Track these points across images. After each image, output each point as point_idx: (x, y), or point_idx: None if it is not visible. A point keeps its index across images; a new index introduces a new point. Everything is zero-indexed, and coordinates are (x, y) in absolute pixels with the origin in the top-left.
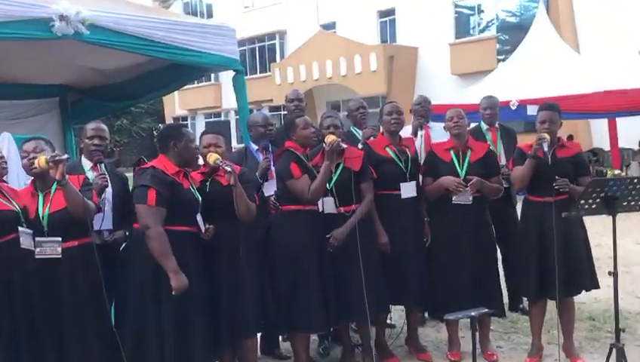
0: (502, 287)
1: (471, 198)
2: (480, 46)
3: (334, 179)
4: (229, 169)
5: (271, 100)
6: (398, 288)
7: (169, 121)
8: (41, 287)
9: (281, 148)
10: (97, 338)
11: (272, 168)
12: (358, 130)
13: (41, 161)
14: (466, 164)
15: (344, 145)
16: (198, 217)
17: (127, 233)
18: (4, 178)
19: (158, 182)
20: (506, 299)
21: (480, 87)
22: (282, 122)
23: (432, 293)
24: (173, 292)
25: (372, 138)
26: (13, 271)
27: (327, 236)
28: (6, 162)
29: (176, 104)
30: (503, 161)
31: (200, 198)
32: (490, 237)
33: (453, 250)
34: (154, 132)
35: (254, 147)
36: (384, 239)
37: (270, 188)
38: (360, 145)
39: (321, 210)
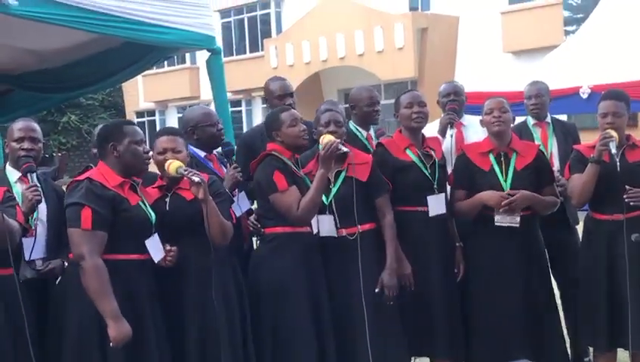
0: (563, 334)
1: (518, 219)
2: (541, 15)
3: (333, 191)
4: (197, 179)
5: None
6: (422, 335)
7: (130, 116)
8: None
9: (261, 152)
10: None
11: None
12: (360, 128)
13: None
14: (511, 173)
15: (345, 149)
16: (151, 241)
17: (66, 263)
18: None
19: (94, 199)
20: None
21: (541, 68)
22: None
23: (467, 341)
24: (111, 344)
25: (385, 136)
26: None
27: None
28: None
29: (140, 94)
30: (556, 166)
31: (153, 216)
32: (544, 268)
33: (497, 285)
34: None
35: (200, 153)
36: (407, 269)
37: (243, 204)
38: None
39: (315, 231)
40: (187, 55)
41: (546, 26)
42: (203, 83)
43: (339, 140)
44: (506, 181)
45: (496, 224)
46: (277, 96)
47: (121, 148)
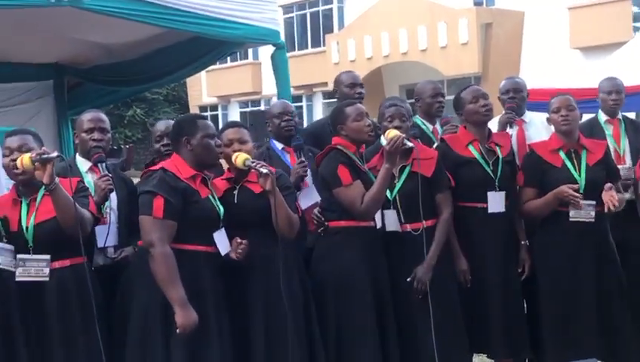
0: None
1: (593, 213)
2: (610, 10)
3: (398, 186)
4: (265, 170)
5: (325, 84)
6: (479, 332)
7: (194, 110)
8: (22, 318)
9: (327, 145)
10: None
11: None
12: (426, 122)
13: (24, 160)
14: (583, 168)
15: (410, 144)
16: (219, 234)
17: (137, 249)
18: None
19: (167, 189)
20: None
21: (609, 64)
22: None
23: (536, 340)
24: (177, 330)
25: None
26: None
27: (403, 276)
28: None
29: (203, 89)
30: (628, 162)
31: (221, 210)
32: (618, 267)
33: (570, 282)
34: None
35: (278, 146)
36: (463, 266)
37: (308, 199)
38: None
39: (379, 226)
40: (250, 50)
41: (615, 21)
42: (265, 78)
43: (404, 135)
44: (580, 176)
45: (571, 219)
46: (347, 85)
47: (194, 142)
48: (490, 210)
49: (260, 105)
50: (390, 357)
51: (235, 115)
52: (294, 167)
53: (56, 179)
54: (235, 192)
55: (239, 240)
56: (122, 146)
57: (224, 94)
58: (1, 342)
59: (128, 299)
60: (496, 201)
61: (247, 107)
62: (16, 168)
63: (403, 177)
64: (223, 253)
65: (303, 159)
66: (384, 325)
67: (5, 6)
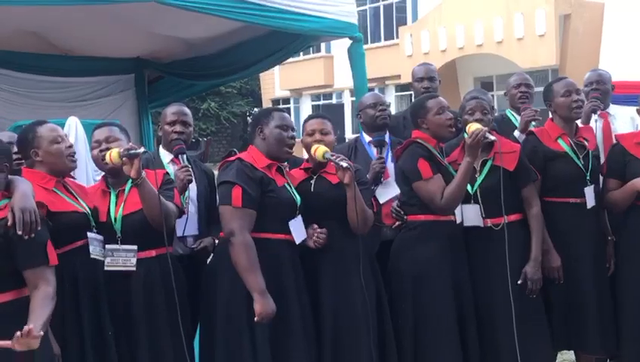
0: None
1: None
2: None
3: (479, 180)
4: (344, 164)
5: (398, 77)
6: (572, 328)
7: (267, 104)
8: (111, 306)
9: (407, 139)
10: None
11: (388, 166)
12: (516, 115)
13: (113, 155)
14: None
15: (492, 137)
16: (295, 222)
17: (217, 241)
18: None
19: (244, 178)
20: None
21: None
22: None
23: (617, 336)
24: (256, 319)
25: (534, 124)
26: (82, 284)
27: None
28: (75, 154)
29: (275, 83)
30: None
31: (298, 199)
32: None
33: None
34: (248, 118)
35: (366, 139)
36: (556, 262)
37: (387, 192)
38: (516, 133)
39: (459, 221)
40: (322, 44)
41: None
42: (337, 71)
43: (486, 128)
44: None
45: None
46: (416, 79)
47: (267, 131)
48: (589, 205)
49: (331, 99)
50: (470, 353)
51: (307, 108)
52: (372, 163)
53: (143, 174)
54: (313, 181)
55: (318, 229)
56: (200, 139)
57: (296, 87)
58: (92, 330)
59: (213, 288)
60: (590, 196)
61: (319, 100)
62: (104, 160)
63: (485, 171)
64: (297, 241)
65: (382, 156)
66: (463, 322)
67: (93, 2)
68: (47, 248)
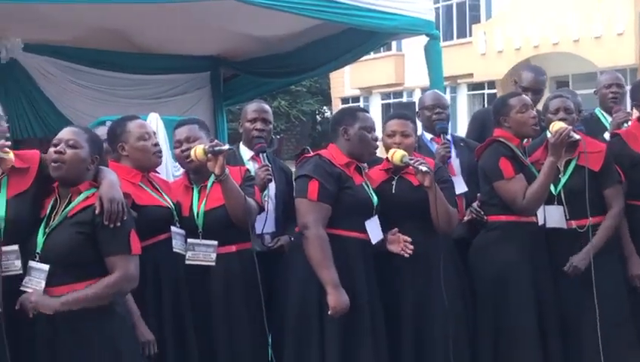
0: None
1: None
2: None
3: (563, 181)
4: (424, 168)
5: (471, 75)
6: None
7: (336, 102)
8: (191, 299)
9: (489, 137)
10: None
11: (452, 162)
12: (606, 114)
13: (198, 151)
14: None
15: (577, 136)
16: (371, 222)
17: (293, 238)
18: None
19: (322, 173)
20: None
21: None
22: (485, 104)
23: None
24: (329, 312)
25: (625, 125)
26: (164, 277)
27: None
28: (161, 151)
29: (345, 81)
30: None
31: (375, 198)
32: None
33: None
34: (317, 116)
35: (427, 136)
36: (637, 270)
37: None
38: (607, 135)
39: (542, 222)
40: (393, 42)
41: None
42: (408, 70)
43: (570, 127)
44: None
45: None
46: (523, 87)
47: (352, 132)
48: None
49: (402, 97)
50: (552, 357)
51: (376, 106)
52: (437, 148)
53: (227, 170)
54: (394, 183)
55: (403, 237)
56: (273, 137)
57: (366, 86)
58: (172, 322)
59: (286, 283)
60: None
61: (390, 98)
62: (188, 158)
63: (569, 171)
64: (374, 242)
65: (447, 140)
66: (545, 324)
67: (174, 0)
68: (131, 237)
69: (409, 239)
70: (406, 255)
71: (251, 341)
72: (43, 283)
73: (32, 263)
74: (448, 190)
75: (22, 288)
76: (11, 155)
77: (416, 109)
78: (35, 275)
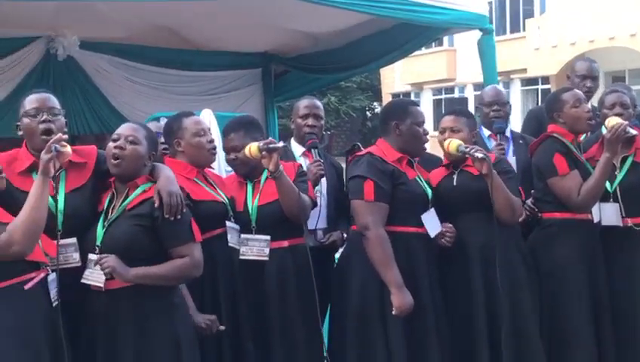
0: None
1: None
2: None
3: (619, 178)
4: (479, 155)
5: (524, 70)
6: None
7: (387, 98)
8: (246, 293)
9: (543, 133)
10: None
11: (509, 159)
12: None
13: (252, 148)
14: None
15: (634, 132)
16: (428, 216)
17: (345, 235)
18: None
19: (376, 172)
20: None
21: None
22: (539, 100)
23: None
24: (393, 312)
25: None
26: (220, 271)
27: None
28: (215, 148)
29: (396, 77)
30: None
31: (429, 192)
32: None
33: None
34: (367, 112)
35: (485, 133)
36: None
37: None
38: None
39: (596, 220)
40: (445, 37)
41: None
42: (460, 65)
43: (626, 122)
44: None
45: None
46: (579, 76)
47: (403, 128)
48: None
49: (453, 93)
50: (605, 356)
51: (428, 102)
52: (491, 149)
53: (281, 167)
54: (454, 176)
55: (452, 227)
56: (324, 133)
57: (417, 81)
58: (228, 318)
59: (345, 282)
60: None
61: (441, 94)
62: (239, 163)
63: (625, 168)
64: (432, 235)
65: (502, 143)
66: (600, 324)
67: None
68: (192, 226)
69: (444, 229)
70: (446, 243)
71: (305, 336)
72: (103, 275)
73: (92, 256)
74: (511, 180)
75: (83, 281)
76: (69, 149)
77: (476, 104)
78: (96, 267)
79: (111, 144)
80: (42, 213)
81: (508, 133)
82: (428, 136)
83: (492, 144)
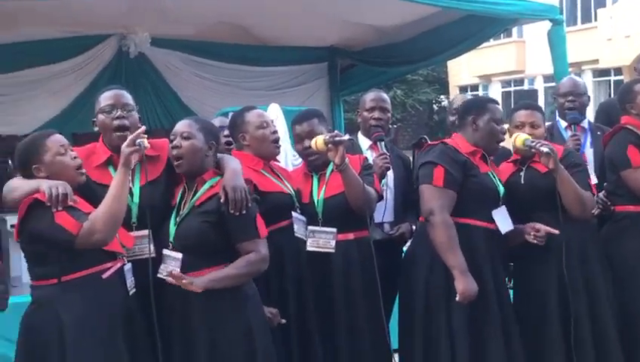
0: None
1: None
2: None
3: None
4: (545, 150)
5: (596, 61)
6: None
7: (454, 91)
8: (312, 284)
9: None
10: (372, 355)
11: (585, 151)
12: None
13: (318, 142)
14: None
15: None
16: (499, 212)
17: (414, 227)
18: None
19: (447, 160)
20: None
21: None
22: (611, 92)
23: None
24: (457, 298)
25: None
26: (288, 262)
27: None
28: (278, 140)
29: (463, 69)
30: None
31: (501, 188)
32: None
33: None
34: (433, 105)
35: (562, 124)
36: None
37: None
38: None
39: None
40: (513, 28)
41: None
42: (529, 56)
43: None
44: None
45: None
46: (561, 94)
47: (480, 123)
48: None
49: (522, 85)
50: None
51: (496, 94)
52: (567, 140)
53: (347, 160)
54: (522, 173)
55: (537, 226)
56: (390, 126)
57: (485, 74)
58: (295, 308)
59: (412, 272)
60: None
61: (510, 87)
62: (310, 154)
63: None
64: (503, 232)
65: (577, 133)
66: None
67: None
68: (257, 222)
69: (538, 226)
70: (536, 241)
71: (369, 326)
72: (178, 271)
73: (166, 251)
74: (580, 174)
75: (158, 275)
76: (147, 143)
77: (552, 95)
78: (170, 263)
79: (170, 146)
80: (123, 203)
81: (586, 125)
82: None
83: (569, 135)
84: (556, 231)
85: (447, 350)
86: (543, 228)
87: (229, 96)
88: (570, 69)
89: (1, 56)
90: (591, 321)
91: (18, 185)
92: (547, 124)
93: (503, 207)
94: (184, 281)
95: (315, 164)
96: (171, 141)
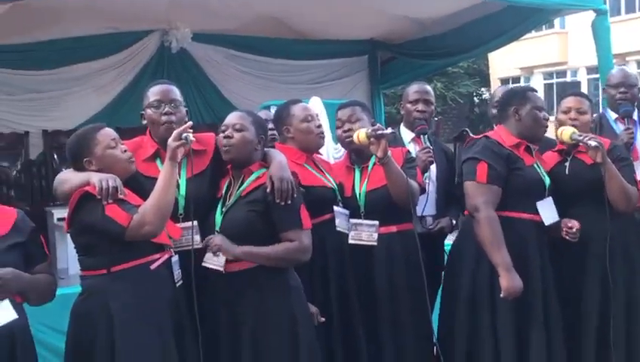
0: None
1: None
2: None
3: None
4: (593, 143)
5: None
6: None
7: (495, 83)
8: (354, 277)
9: None
10: (416, 349)
11: (637, 145)
12: None
13: (360, 135)
14: None
15: None
16: (544, 204)
17: (455, 222)
18: None
19: (490, 155)
20: None
21: None
22: None
23: None
24: (501, 294)
25: None
26: (330, 255)
27: None
28: (323, 133)
29: (505, 61)
30: None
31: (547, 179)
32: None
33: None
34: (474, 98)
35: (612, 116)
36: None
37: None
38: None
39: None
40: (556, 19)
41: None
42: (572, 48)
43: None
44: None
45: None
46: (613, 85)
47: (523, 113)
48: None
49: (565, 77)
50: None
51: (538, 86)
52: (620, 134)
53: (389, 153)
54: (567, 164)
55: (570, 223)
56: (433, 119)
57: (527, 65)
58: (338, 302)
59: (457, 268)
60: None
61: (552, 78)
62: (349, 138)
63: None
64: (547, 223)
65: (631, 127)
66: None
67: None
68: (301, 213)
69: (571, 224)
70: (568, 237)
71: (413, 320)
72: (223, 259)
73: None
74: (626, 168)
75: (203, 264)
76: (192, 137)
77: (603, 86)
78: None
79: (220, 135)
80: (171, 195)
81: (636, 117)
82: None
83: (619, 128)
84: (575, 239)
85: (491, 346)
86: (576, 225)
87: (270, 91)
88: (614, 60)
89: (46, 52)
90: (626, 322)
91: (68, 178)
92: (594, 115)
93: (550, 198)
94: (214, 244)
95: (355, 151)
96: (223, 132)
